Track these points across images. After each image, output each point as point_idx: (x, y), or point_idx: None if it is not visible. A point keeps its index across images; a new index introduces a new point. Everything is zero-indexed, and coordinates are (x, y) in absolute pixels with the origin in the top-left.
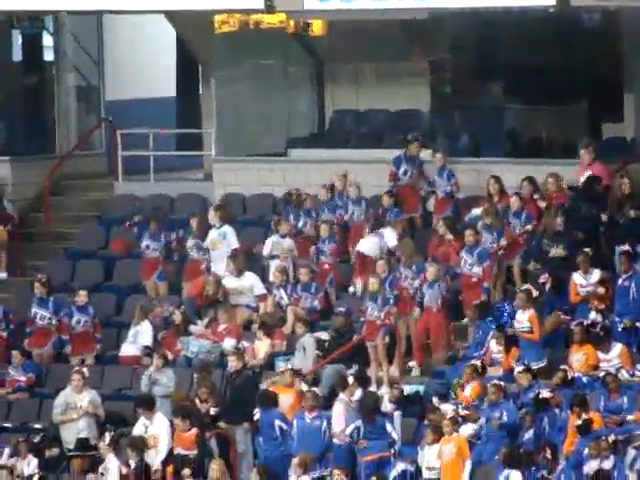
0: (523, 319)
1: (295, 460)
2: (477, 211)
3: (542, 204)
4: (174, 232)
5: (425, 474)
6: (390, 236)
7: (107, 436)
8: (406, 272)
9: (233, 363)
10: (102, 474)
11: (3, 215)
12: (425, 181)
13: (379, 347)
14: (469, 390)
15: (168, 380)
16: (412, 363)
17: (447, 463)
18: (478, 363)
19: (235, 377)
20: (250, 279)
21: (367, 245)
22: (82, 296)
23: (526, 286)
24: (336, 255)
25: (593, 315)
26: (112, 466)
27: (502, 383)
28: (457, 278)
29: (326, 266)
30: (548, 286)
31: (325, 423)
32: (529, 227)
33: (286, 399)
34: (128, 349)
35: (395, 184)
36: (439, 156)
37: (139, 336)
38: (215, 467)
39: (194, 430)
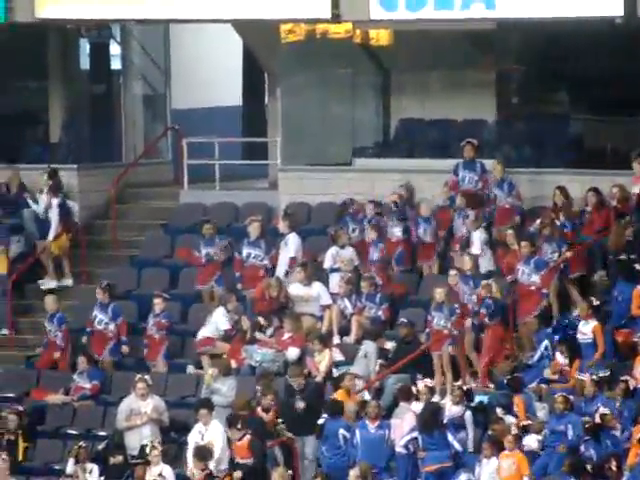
0: (587, 330)
1: (355, 471)
2: (540, 222)
3: (611, 215)
4: (230, 238)
5: None
6: (476, 241)
7: (158, 445)
8: (464, 287)
9: (297, 381)
10: None
11: (67, 222)
12: (488, 188)
13: (444, 357)
14: None
15: (228, 389)
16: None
17: (506, 478)
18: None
19: (303, 390)
20: (317, 288)
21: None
22: (158, 303)
23: (590, 297)
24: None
25: None
26: (167, 473)
27: (570, 396)
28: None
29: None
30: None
31: (388, 432)
32: (590, 239)
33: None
34: (203, 332)
35: (457, 192)
36: (499, 168)
37: (216, 321)
38: (278, 475)
39: (246, 438)
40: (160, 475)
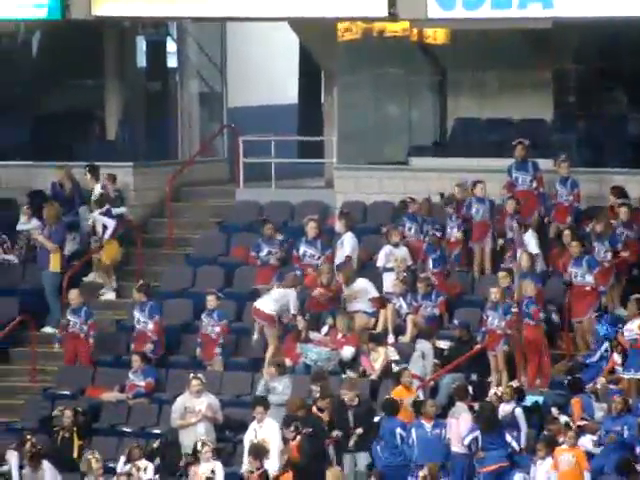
0: (633, 327)
1: (423, 471)
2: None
3: None
4: (291, 238)
5: None
6: (530, 241)
7: (209, 442)
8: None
9: (348, 396)
10: (209, 479)
11: (116, 232)
12: (542, 188)
13: (499, 356)
14: None
15: (284, 388)
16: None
17: (564, 473)
18: None
19: (357, 406)
20: (361, 284)
21: None
22: (211, 301)
23: (637, 295)
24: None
25: None
26: (219, 469)
27: (629, 399)
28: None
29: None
30: None
31: (444, 432)
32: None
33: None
34: (265, 304)
35: (513, 192)
36: (564, 165)
37: (288, 302)
38: (332, 475)
39: (298, 439)
40: (212, 472)
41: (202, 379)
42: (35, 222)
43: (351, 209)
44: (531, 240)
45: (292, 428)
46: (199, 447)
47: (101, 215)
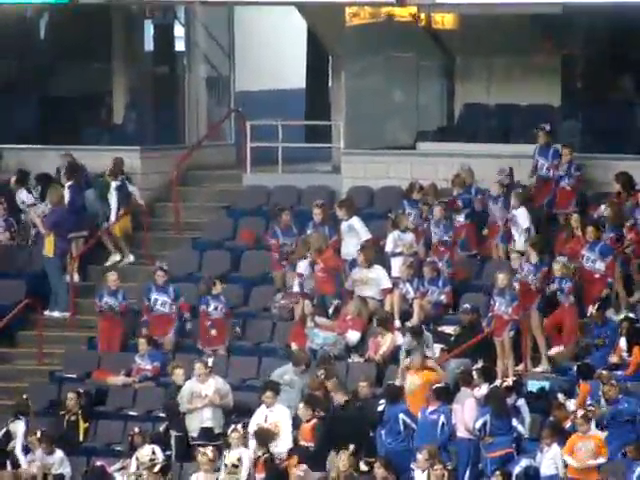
0: None
1: (423, 454)
2: (604, 207)
3: None
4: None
5: (545, 473)
6: (522, 216)
7: (239, 427)
8: (528, 267)
9: (340, 398)
10: (235, 466)
11: (128, 204)
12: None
13: (506, 342)
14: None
15: (300, 379)
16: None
17: (580, 459)
18: None
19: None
20: (377, 272)
21: None
22: (218, 286)
23: None
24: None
25: None
26: (245, 457)
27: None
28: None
29: None
30: None
31: (443, 418)
32: None
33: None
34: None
35: (535, 176)
36: (566, 151)
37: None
38: (344, 458)
39: (313, 421)
40: (238, 460)
41: (207, 364)
42: (30, 197)
43: (358, 194)
44: (522, 215)
45: (310, 411)
46: (229, 432)
47: (116, 190)
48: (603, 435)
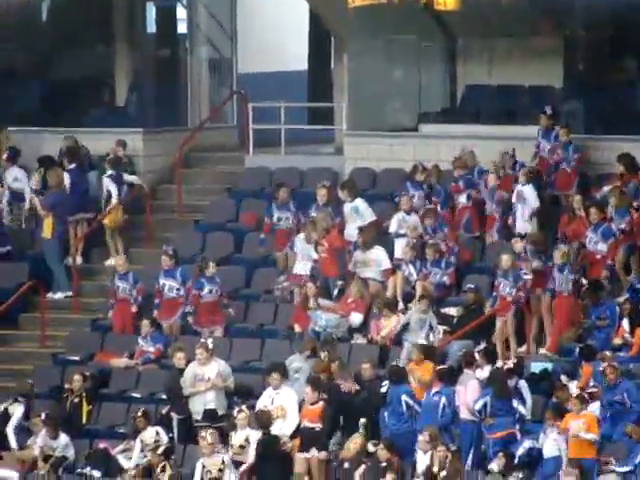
0: None
1: (424, 435)
2: (607, 189)
3: None
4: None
5: (547, 454)
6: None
7: (245, 409)
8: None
9: (348, 386)
10: (242, 446)
11: (122, 196)
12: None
13: (508, 323)
14: None
15: (306, 365)
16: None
17: (574, 439)
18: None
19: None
20: (377, 253)
21: None
22: (212, 268)
23: None
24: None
25: None
26: (253, 438)
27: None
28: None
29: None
30: None
31: (444, 399)
32: None
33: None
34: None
35: (537, 158)
36: (563, 131)
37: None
38: (356, 441)
39: (321, 404)
40: (246, 440)
41: (207, 346)
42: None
43: (361, 175)
44: (530, 193)
45: (317, 394)
46: (235, 413)
47: (109, 179)
48: (596, 413)
